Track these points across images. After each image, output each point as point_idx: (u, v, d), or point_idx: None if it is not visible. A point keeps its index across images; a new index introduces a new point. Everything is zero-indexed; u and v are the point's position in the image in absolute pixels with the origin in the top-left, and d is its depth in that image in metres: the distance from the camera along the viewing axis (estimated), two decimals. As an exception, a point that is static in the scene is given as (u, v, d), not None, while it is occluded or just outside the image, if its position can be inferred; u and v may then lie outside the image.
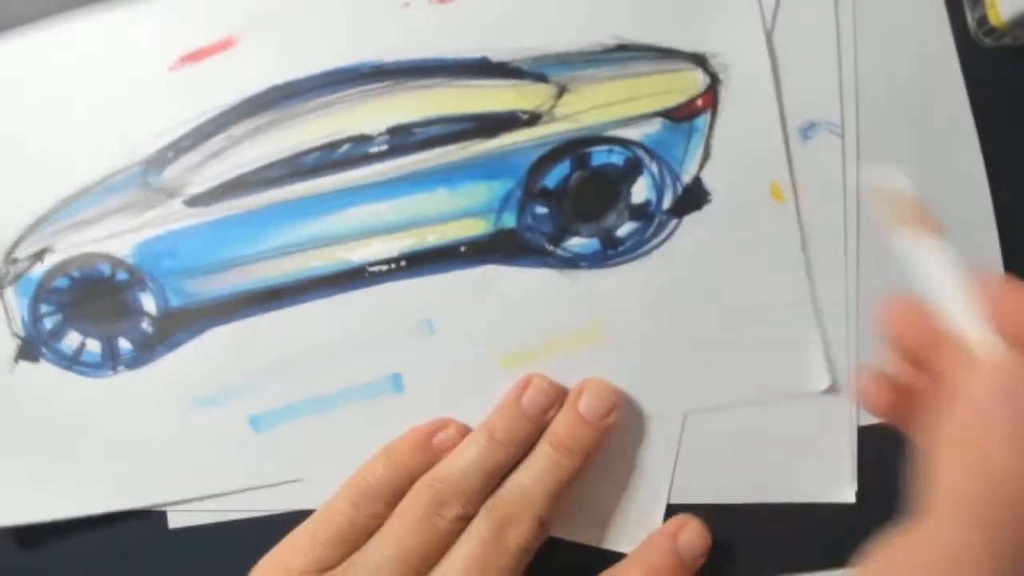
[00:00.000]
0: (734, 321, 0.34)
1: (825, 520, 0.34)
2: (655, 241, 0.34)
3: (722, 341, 0.34)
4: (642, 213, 0.34)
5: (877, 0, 0.34)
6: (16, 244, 0.35)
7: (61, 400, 0.35)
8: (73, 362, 0.35)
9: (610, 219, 0.34)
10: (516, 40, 0.34)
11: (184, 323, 0.34)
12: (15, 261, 0.35)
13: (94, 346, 0.35)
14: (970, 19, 0.34)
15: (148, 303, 0.34)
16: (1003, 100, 0.34)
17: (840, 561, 0.34)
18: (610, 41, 0.34)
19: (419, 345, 0.34)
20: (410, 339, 0.34)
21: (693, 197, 0.34)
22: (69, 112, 0.35)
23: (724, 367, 0.34)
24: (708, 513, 0.34)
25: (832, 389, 0.34)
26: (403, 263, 0.34)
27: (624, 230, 0.34)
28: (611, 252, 0.34)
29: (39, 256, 0.35)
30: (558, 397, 0.33)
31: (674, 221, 0.34)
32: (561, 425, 0.32)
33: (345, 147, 0.34)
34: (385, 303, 0.34)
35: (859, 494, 0.34)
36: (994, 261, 0.34)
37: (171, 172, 0.34)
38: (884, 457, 0.32)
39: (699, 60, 0.34)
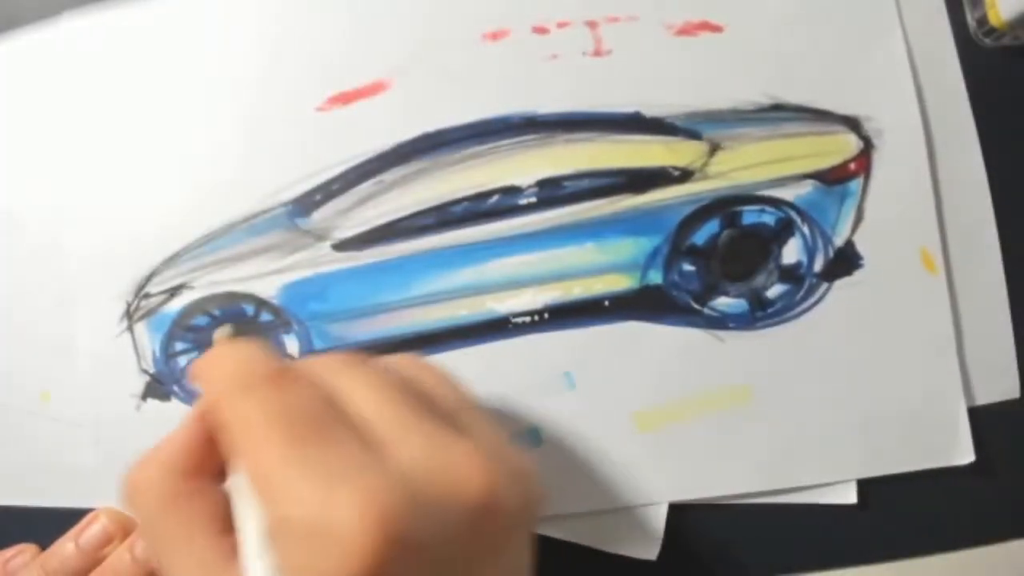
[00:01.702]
0: (881, 392, 0.33)
1: (825, 520, 0.34)
2: (805, 305, 0.34)
3: (869, 411, 0.33)
4: (793, 275, 0.34)
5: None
6: (149, 279, 0.35)
7: (193, 439, 0.34)
8: (207, 401, 0.35)
9: (759, 280, 0.34)
10: (669, 95, 0.34)
11: (327, 368, 0.34)
12: (147, 296, 0.35)
13: (231, 386, 0.34)
14: (970, 19, 0.34)
15: (291, 345, 0.34)
16: (1003, 100, 0.34)
17: (840, 561, 0.33)
18: (764, 100, 0.34)
19: (558, 399, 0.34)
20: (550, 392, 0.34)
21: (845, 261, 0.34)
22: (208, 148, 0.35)
23: (871, 438, 0.33)
24: (709, 514, 0.34)
25: (978, 466, 0.33)
26: (546, 315, 0.34)
27: (773, 292, 0.34)
28: (759, 314, 0.34)
29: (174, 292, 0.35)
30: (120, 532, 0.33)
31: (824, 285, 0.34)
32: (111, 564, 0.33)
33: (495, 198, 0.34)
34: (528, 355, 0.34)
35: (860, 494, 0.34)
36: (994, 261, 0.34)
37: (319, 215, 0.34)
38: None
39: (852, 124, 0.34)
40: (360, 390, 0.24)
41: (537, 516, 0.25)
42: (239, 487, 0.24)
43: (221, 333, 0.34)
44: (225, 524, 0.24)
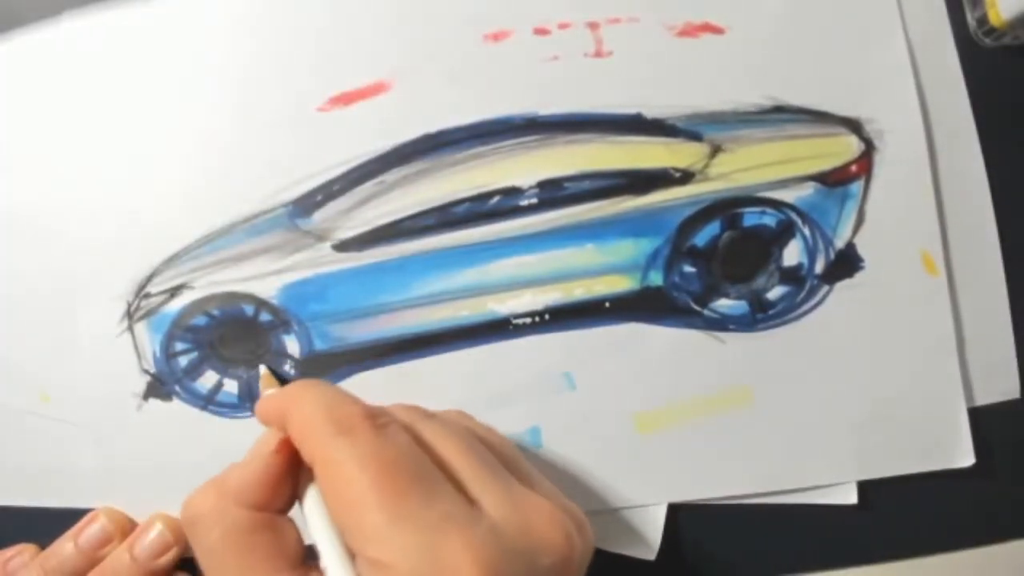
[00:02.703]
0: (882, 393, 0.33)
1: (825, 520, 0.34)
2: (806, 307, 0.34)
3: (870, 413, 0.33)
4: (794, 277, 0.34)
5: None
6: (149, 279, 0.35)
7: (193, 440, 0.34)
8: (208, 402, 0.35)
9: (760, 281, 0.34)
10: (670, 96, 0.34)
11: (328, 367, 0.34)
12: (147, 296, 0.35)
13: (232, 386, 0.34)
14: (970, 19, 0.34)
15: (292, 345, 0.34)
16: (1003, 100, 0.34)
17: (840, 561, 0.33)
18: (766, 102, 0.34)
19: (559, 400, 0.34)
20: (550, 393, 0.34)
21: (846, 263, 0.34)
22: (209, 148, 0.35)
23: (871, 440, 0.33)
24: (709, 513, 0.34)
25: (979, 466, 0.33)
26: (547, 316, 0.34)
27: (774, 293, 0.34)
28: (760, 316, 0.34)
29: (174, 292, 0.35)
30: (120, 533, 0.33)
31: (825, 287, 0.34)
32: (109, 564, 0.33)
33: (496, 199, 0.34)
34: (528, 356, 0.34)
35: (860, 495, 0.34)
36: (994, 261, 0.34)
37: (320, 215, 0.34)
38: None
39: (854, 126, 0.34)
40: (439, 441, 0.25)
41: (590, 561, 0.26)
42: (320, 525, 0.24)
43: (265, 369, 0.34)
44: (291, 561, 0.24)
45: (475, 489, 0.24)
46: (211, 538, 0.24)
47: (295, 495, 0.26)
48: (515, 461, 0.27)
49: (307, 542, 0.25)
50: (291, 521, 0.26)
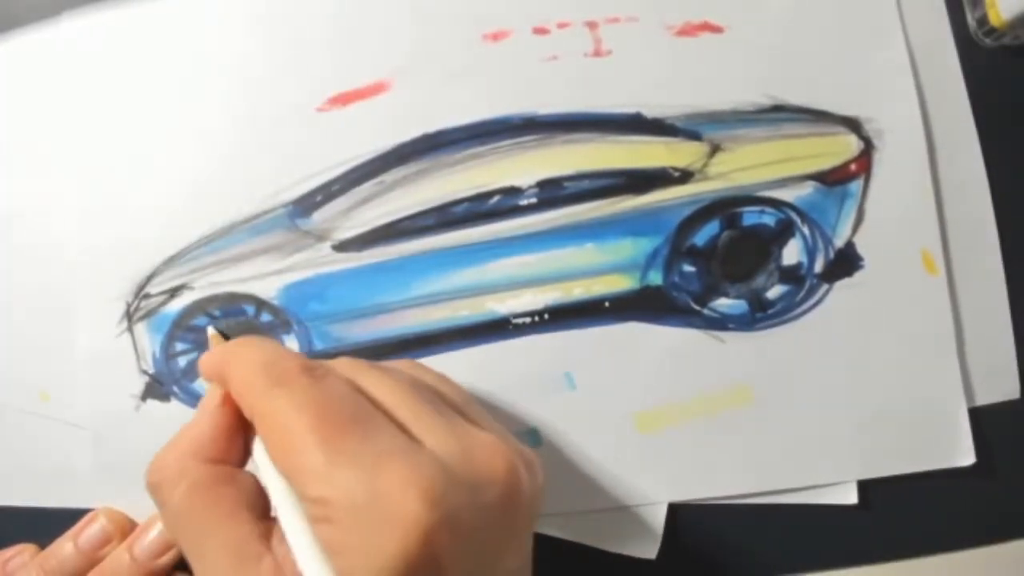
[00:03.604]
0: (882, 392, 0.33)
1: (825, 520, 0.34)
2: (805, 306, 0.34)
3: (870, 412, 0.33)
4: (793, 276, 0.34)
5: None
6: (149, 279, 0.35)
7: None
8: (207, 402, 0.35)
9: (760, 280, 0.34)
10: (669, 96, 0.34)
11: (327, 368, 0.34)
12: (147, 296, 0.35)
13: (231, 387, 0.34)
14: (970, 19, 0.34)
15: (292, 345, 0.34)
16: (1003, 100, 0.34)
17: (840, 561, 0.33)
18: (765, 101, 0.34)
19: (559, 399, 0.34)
20: (550, 393, 0.34)
21: (845, 262, 0.34)
22: (209, 148, 0.35)
23: (871, 439, 0.33)
24: (709, 513, 0.34)
25: (979, 466, 0.33)
26: (547, 316, 0.34)
27: (774, 293, 0.34)
28: (760, 315, 0.34)
29: (174, 292, 0.35)
30: (119, 533, 0.33)
31: (824, 286, 0.34)
32: (109, 564, 0.33)
33: (495, 199, 0.34)
34: (528, 355, 0.34)
35: (860, 494, 0.34)
36: (994, 261, 0.34)
37: (320, 216, 0.34)
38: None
39: (853, 125, 0.34)
40: (379, 387, 0.25)
41: (542, 503, 0.26)
42: (268, 474, 0.25)
43: (213, 330, 0.34)
44: (253, 510, 0.25)
45: (417, 428, 0.24)
46: (176, 496, 0.24)
47: (248, 449, 0.26)
48: (466, 405, 0.27)
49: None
50: (250, 474, 0.26)
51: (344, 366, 0.27)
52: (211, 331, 0.34)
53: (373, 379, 0.26)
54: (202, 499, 0.24)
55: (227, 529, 0.24)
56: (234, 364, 0.25)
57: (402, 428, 0.24)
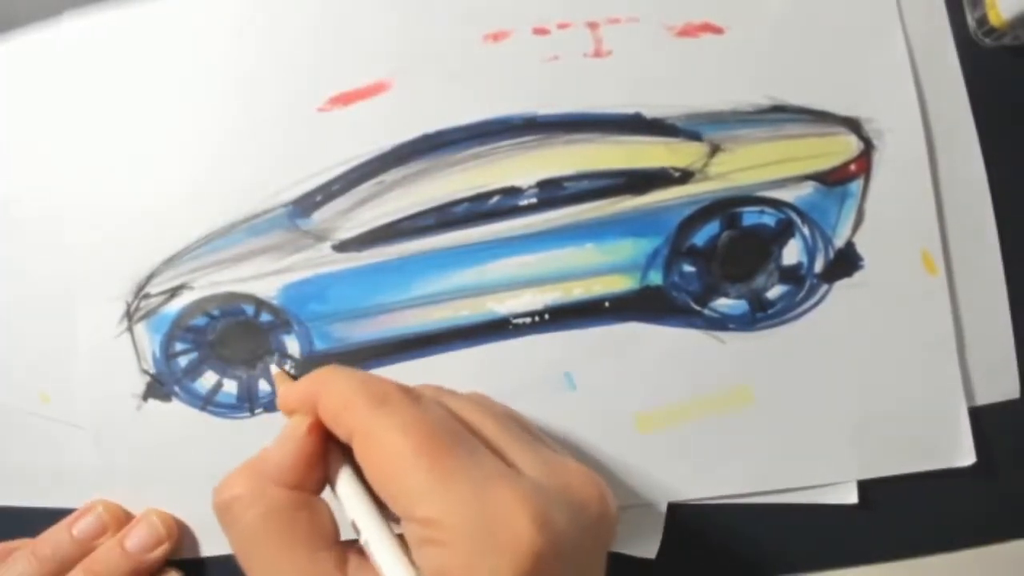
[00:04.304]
0: (882, 392, 0.33)
1: (825, 520, 0.34)
2: (805, 306, 0.34)
3: (870, 412, 0.33)
4: (793, 276, 0.34)
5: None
6: (149, 279, 0.35)
7: (192, 440, 0.34)
8: (207, 402, 0.35)
9: (760, 280, 0.34)
10: (669, 96, 0.34)
11: (327, 368, 0.34)
12: (147, 296, 0.35)
13: (231, 387, 0.34)
14: (970, 19, 0.34)
15: (292, 346, 0.34)
16: (1003, 100, 0.34)
17: (840, 561, 0.33)
18: (765, 101, 0.34)
19: (559, 399, 0.34)
20: (550, 393, 0.34)
21: (845, 262, 0.34)
22: (208, 148, 0.35)
23: (872, 439, 0.33)
24: (709, 512, 0.34)
25: (979, 466, 0.33)
26: (547, 316, 0.34)
27: (774, 293, 0.34)
28: (760, 315, 0.34)
29: (173, 292, 0.35)
30: (115, 525, 0.34)
31: (824, 286, 0.34)
32: (101, 553, 0.33)
33: (495, 199, 0.34)
34: (528, 356, 0.34)
35: (860, 494, 0.34)
36: (994, 261, 0.34)
37: (320, 216, 0.34)
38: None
39: (853, 125, 0.34)
40: (470, 413, 0.26)
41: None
42: (356, 501, 0.25)
43: (276, 369, 0.34)
44: (329, 540, 0.25)
45: (510, 454, 0.24)
46: (248, 518, 0.24)
47: (326, 478, 0.26)
48: (540, 435, 0.28)
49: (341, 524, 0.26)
50: (325, 502, 0.26)
51: (431, 391, 0.27)
52: (275, 370, 0.34)
53: (462, 405, 0.26)
54: (278, 523, 0.24)
55: (304, 555, 0.24)
56: (331, 387, 0.25)
57: (497, 453, 0.24)
